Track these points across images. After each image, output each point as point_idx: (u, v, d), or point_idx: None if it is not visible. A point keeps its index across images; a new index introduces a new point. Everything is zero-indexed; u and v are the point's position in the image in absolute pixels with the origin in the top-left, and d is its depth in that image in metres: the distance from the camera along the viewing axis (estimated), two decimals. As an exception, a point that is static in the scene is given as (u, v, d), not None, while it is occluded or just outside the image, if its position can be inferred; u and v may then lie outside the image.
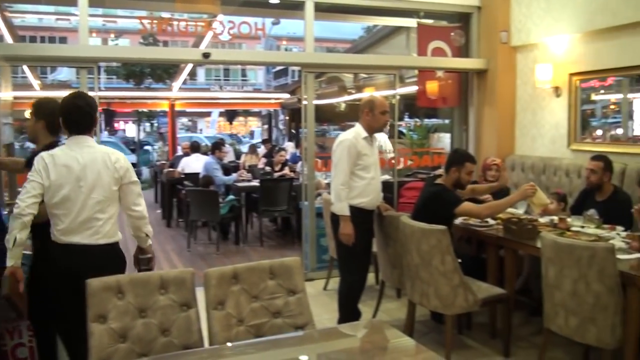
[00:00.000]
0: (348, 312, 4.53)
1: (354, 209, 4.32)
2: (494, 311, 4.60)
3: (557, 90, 6.18)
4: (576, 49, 5.93)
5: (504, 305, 4.35)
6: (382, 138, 7.68)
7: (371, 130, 4.42)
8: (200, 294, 2.68)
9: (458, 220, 4.86)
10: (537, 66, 6.27)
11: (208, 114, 33.81)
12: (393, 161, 6.73)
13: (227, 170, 10.00)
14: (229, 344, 2.51)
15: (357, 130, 4.42)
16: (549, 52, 6.19)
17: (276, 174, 9.42)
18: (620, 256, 3.57)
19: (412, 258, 4.15)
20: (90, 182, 3.04)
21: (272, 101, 19.90)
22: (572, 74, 5.99)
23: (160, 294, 2.61)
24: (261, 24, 6.87)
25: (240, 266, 2.77)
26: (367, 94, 10.73)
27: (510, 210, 5.04)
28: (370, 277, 5.96)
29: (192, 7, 6.58)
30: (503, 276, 4.55)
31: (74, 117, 3.14)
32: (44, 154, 3.10)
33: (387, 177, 6.93)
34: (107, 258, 3.09)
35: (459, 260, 4.10)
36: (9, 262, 2.91)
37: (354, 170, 4.33)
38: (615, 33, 5.47)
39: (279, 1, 7.01)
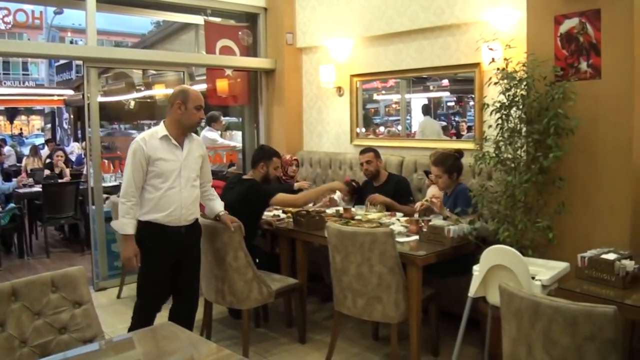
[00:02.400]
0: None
1: (146, 225, 3.61)
2: (288, 301, 4.78)
3: (339, 90, 6.57)
4: (356, 52, 6.35)
5: (298, 294, 4.54)
6: (209, 135, 7.59)
7: (180, 128, 3.66)
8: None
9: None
10: (321, 67, 6.61)
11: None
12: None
13: (8, 175, 9.12)
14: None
15: (156, 129, 3.67)
16: (332, 55, 6.55)
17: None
18: (399, 239, 3.97)
19: (206, 256, 4.15)
20: None
21: (56, 98, 18.47)
22: (352, 75, 6.40)
23: None
24: (39, 12, 6.34)
25: (19, 281, 2.53)
26: (158, 91, 10.44)
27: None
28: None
29: (-36, -10, 5.90)
30: (295, 266, 4.76)
31: None
32: None
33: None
34: None
35: (257, 260, 4.22)
36: None
37: (146, 179, 3.59)
38: (391, 39, 5.96)
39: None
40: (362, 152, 5.38)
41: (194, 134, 3.84)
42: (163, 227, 3.62)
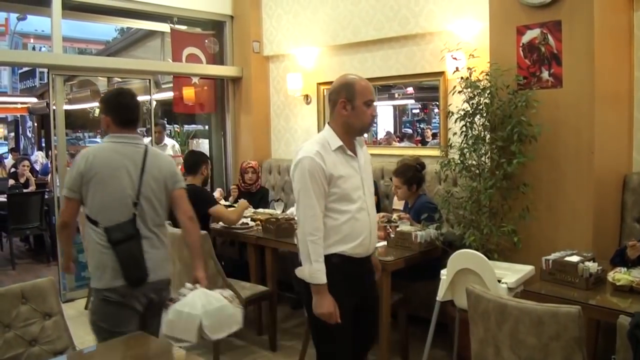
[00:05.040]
0: None
1: (330, 259, 2.74)
2: (259, 309, 4.78)
3: (307, 98, 6.61)
4: (323, 60, 6.40)
5: (268, 302, 4.55)
6: (170, 142, 7.56)
7: (350, 132, 2.84)
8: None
9: (220, 224, 4.98)
10: (288, 75, 6.63)
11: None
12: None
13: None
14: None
15: (325, 139, 2.81)
16: (298, 63, 6.58)
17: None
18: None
19: (175, 265, 4.14)
20: None
21: (19, 106, 18.04)
22: (319, 83, 6.45)
23: None
24: (4, 19, 6.25)
25: (-13, 294, 2.53)
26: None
27: (268, 210, 5.36)
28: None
29: None
30: (265, 274, 4.77)
31: None
32: None
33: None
34: None
35: (222, 263, 4.22)
36: None
37: (326, 204, 2.76)
38: (356, 48, 6.02)
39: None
40: None
41: (360, 140, 3.00)
42: (348, 259, 2.80)
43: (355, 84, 2.79)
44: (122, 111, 3.02)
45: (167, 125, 8.21)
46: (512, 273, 3.29)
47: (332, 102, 2.85)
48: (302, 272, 2.75)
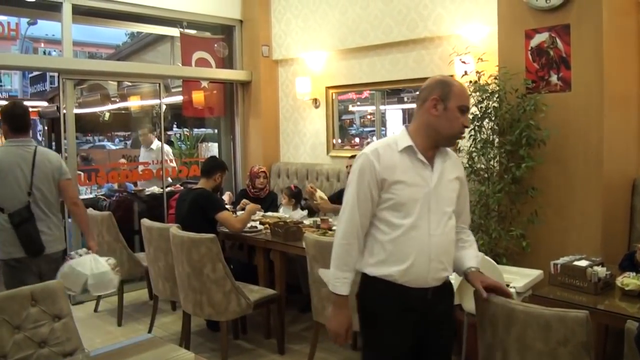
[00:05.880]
0: None
1: (373, 283, 2.35)
2: (267, 312, 4.79)
3: (315, 102, 6.63)
4: (331, 64, 6.42)
5: (276, 305, 4.55)
6: (157, 144, 7.45)
7: (432, 137, 2.35)
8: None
9: (229, 228, 5.00)
10: (297, 79, 6.66)
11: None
12: (161, 171, 6.59)
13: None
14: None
15: (395, 138, 2.39)
16: (307, 67, 6.61)
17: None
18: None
19: (184, 268, 4.16)
20: None
21: (30, 109, 18.14)
22: (328, 87, 6.47)
23: None
24: (14, 24, 6.27)
25: (-1, 295, 2.55)
26: (132, 102, 10.37)
27: (277, 214, 5.38)
28: (144, 293, 5.85)
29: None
30: (274, 277, 4.78)
31: None
32: None
33: (155, 188, 6.81)
34: None
35: (231, 266, 4.23)
36: None
37: (376, 212, 2.34)
38: (365, 52, 6.04)
39: (34, 0, 6.46)
40: (352, 157, 5.35)
41: (449, 148, 2.47)
42: (399, 288, 2.32)
43: (452, 85, 2.37)
44: (14, 120, 3.85)
45: (155, 131, 7.64)
46: (520, 277, 3.28)
47: (420, 100, 2.39)
48: (325, 275, 2.48)
